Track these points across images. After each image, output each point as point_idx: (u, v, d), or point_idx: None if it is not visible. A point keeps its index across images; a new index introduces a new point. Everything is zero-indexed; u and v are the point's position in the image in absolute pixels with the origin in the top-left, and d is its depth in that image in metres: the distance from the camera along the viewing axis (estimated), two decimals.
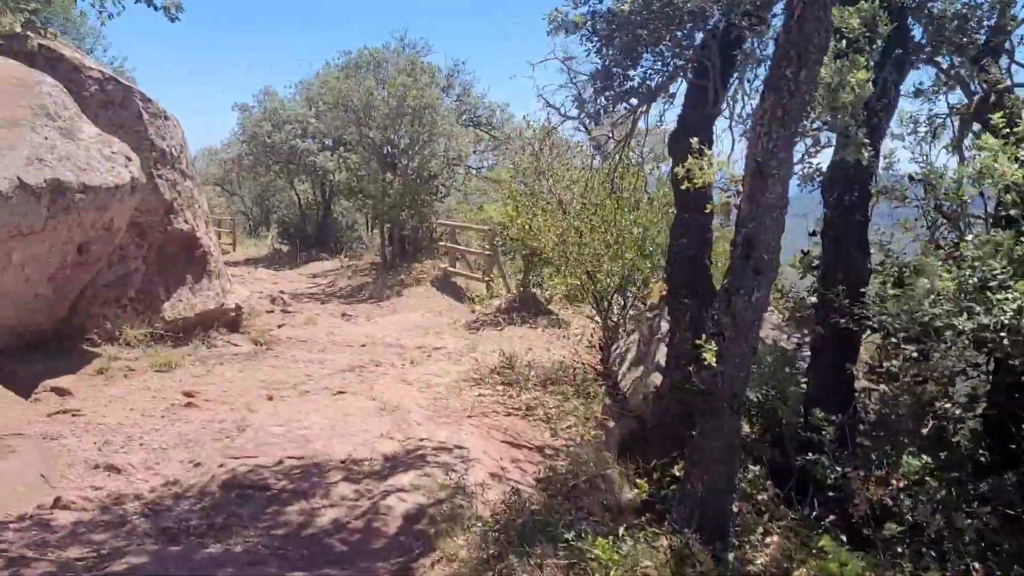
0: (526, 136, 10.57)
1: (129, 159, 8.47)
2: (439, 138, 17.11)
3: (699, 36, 6.13)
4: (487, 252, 14.17)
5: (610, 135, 6.96)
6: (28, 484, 4.83)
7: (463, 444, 5.77)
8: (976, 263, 4.31)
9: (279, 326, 12.09)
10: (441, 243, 17.78)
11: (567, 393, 7.37)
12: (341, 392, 7.61)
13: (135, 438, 6.29)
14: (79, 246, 8.26)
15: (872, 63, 4.69)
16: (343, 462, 5.39)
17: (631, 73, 6.14)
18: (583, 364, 8.21)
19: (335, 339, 10.61)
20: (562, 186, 7.61)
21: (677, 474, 4.62)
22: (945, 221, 5.18)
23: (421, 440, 5.81)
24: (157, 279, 9.11)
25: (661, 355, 6.82)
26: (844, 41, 4.49)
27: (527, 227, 7.24)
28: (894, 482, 4.44)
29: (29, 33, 8.74)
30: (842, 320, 5.10)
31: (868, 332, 5.29)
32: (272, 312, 13.95)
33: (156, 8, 7.15)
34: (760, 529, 4.26)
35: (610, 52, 5.97)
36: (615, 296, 9.19)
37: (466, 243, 17.07)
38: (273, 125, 22.48)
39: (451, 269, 16.13)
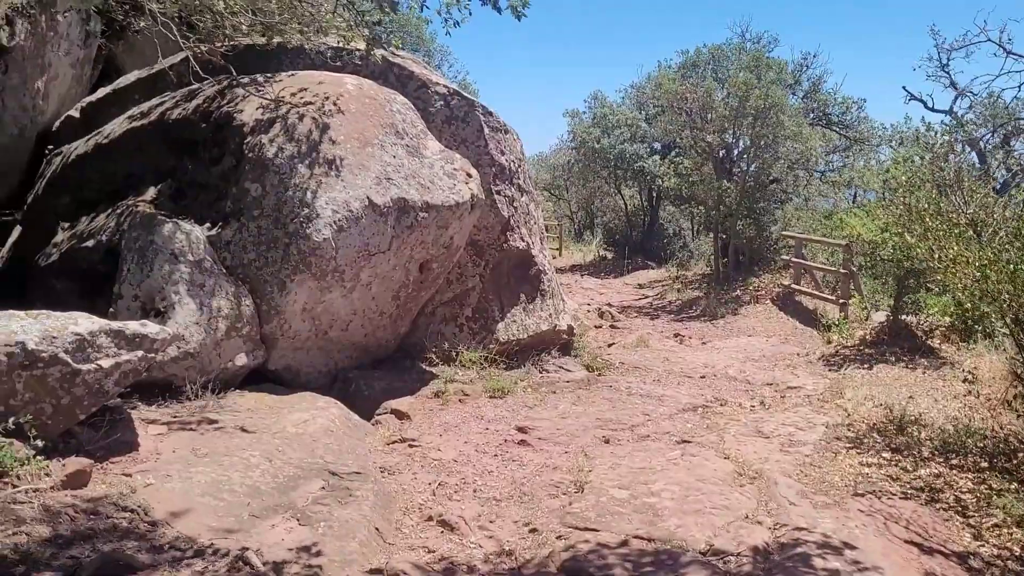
0: (925, 141, 8.82)
1: (470, 175, 8.21)
2: (784, 140, 15.46)
3: None
4: (842, 271, 12.33)
5: None
6: (361, 540, 4.45)
7: (854, 543, 4.47)
8: None
9: (609, 345, 11.43)
10: (782, 256, 16.09)
11: (982, 470, 5.70)
12: (685, 442, 6.61)
13: (469, 481, 5.83)
14: (421, 264, 8.15)
15: None
16: (703, 554, 4.37)
17: None
18: (998, 428, 6.40)
19: (671, 367, 9.65)
20: (976, 204, 5.91)
21: None
22: None
23: (798, 531, 4.61)
24: (492, 298, 8.81)
25: None
26: None
27: (931, 255, 5.67)
28: None
29: (380, 52, 8.85)
30: None
31: None
32: (600, 327, 13.39)
33: (500, 11, 6.69)
34: None
35: None
36: None
37: (811, 257, 15.23)
38: (602, 130, 22.17)
39: (795, 286, 14.44)
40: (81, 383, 4.75)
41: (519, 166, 9.11)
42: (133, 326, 5.05)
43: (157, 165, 8.08)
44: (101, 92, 9.69)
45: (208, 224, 7.39)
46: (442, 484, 5.75)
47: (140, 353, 5.06)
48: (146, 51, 10.77)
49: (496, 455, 6.43)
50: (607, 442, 6.69)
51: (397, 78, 8.80)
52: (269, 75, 8.41)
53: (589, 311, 14.35)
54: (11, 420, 4.41)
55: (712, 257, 18.12)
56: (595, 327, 13.27)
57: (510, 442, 6.72)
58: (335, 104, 7.68)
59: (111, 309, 6.76)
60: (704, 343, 11.98)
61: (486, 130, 8.70)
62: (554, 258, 29.08)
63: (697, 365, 9.81)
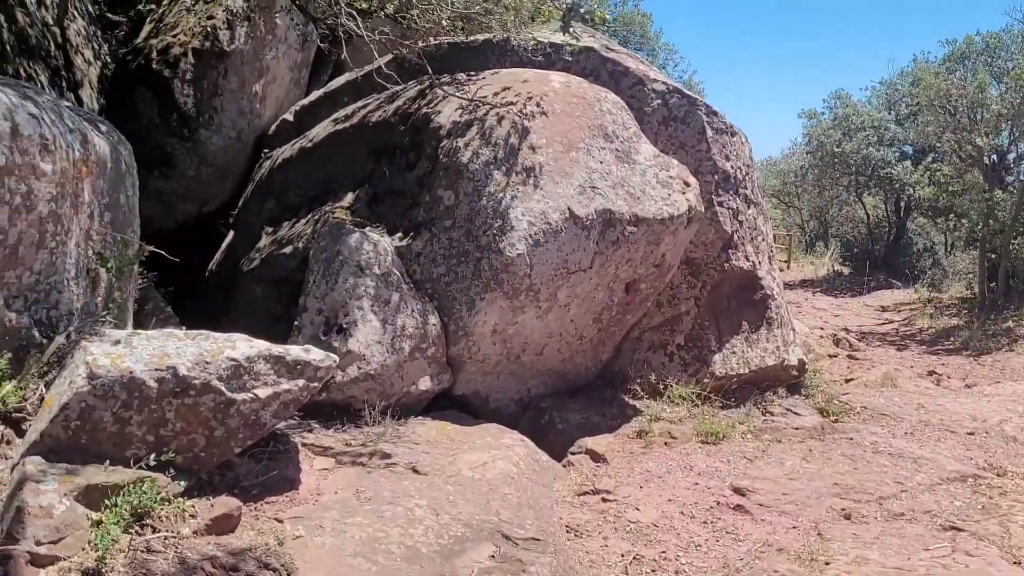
0: None
1: (687, 184, 7.14)
2: None
3: None
4: None
5: None
6: None
7: None
8: None
9: (847, 381, 9.85)
10: None
11: None
12: (954, 528, 5.16)
13: (671, 556, 4.81)
14: (627, 284, 7.20)
15: None
16: None
17: None
18: None
19: (927, 416, 7.98)
20: None
21: None
22: None
23: None
24: (708, 325, 7.66)
25: None
26: None
27: None
28: None
29: (594, 46, 7.99)
30: None
31: None
32: (835, 357, 11.73)
33: None
34: None
35: None
36: None
37: None
38: (843, 133, 19.97)
39: None
40: (236, 414, 4.27)
41: (746, 174, 7.88)
42: (295, 352, 4.52)
43: (356, 169, 7.74)
44: (314, 95, 9.61)
45: (400, 234, 6.89)
46: (637, 558, 4.77)
47: (302, 382, 4.53)
48: (364, 52, 10.67)
49: (706, 522, 5.35)
50: (847, 518, 5.38)
51: (611, 75, 7.89)
52: (472, 73, 7.82)
53: (822, 337, 12.66)
54: (153, 456, 4.00)
55: (975, 279, 15.57)
56: (829, 356, 11.64)
57: (724, 505, 5.61)
58: (538, 104, 6.91)
59: (296, 322, 6.42)
60: (968, 386, 10.03)
61: (709, 132, 7.57)
62: (781, 271, 26.94)
63: (962, 416, 8.05)
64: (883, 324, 14.93)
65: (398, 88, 8.15)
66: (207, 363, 4.17)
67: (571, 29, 6.60)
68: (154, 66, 8.59)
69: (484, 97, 7.08)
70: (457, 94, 7.14)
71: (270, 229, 8.16)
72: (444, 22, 7.74)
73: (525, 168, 6.55)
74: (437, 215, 6.68)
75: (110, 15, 12.98)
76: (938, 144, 15.92)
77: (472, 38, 8.38)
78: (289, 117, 9.64)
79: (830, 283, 21.29)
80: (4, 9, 8.58)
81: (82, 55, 10.58)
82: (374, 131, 7.71)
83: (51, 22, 10.11)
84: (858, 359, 11.63)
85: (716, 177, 7.56)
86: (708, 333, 7.65)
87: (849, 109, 20.45)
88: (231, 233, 9.20)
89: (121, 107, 8.93)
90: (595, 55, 7.97)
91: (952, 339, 12.89)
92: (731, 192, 7.64)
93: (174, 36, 8.79)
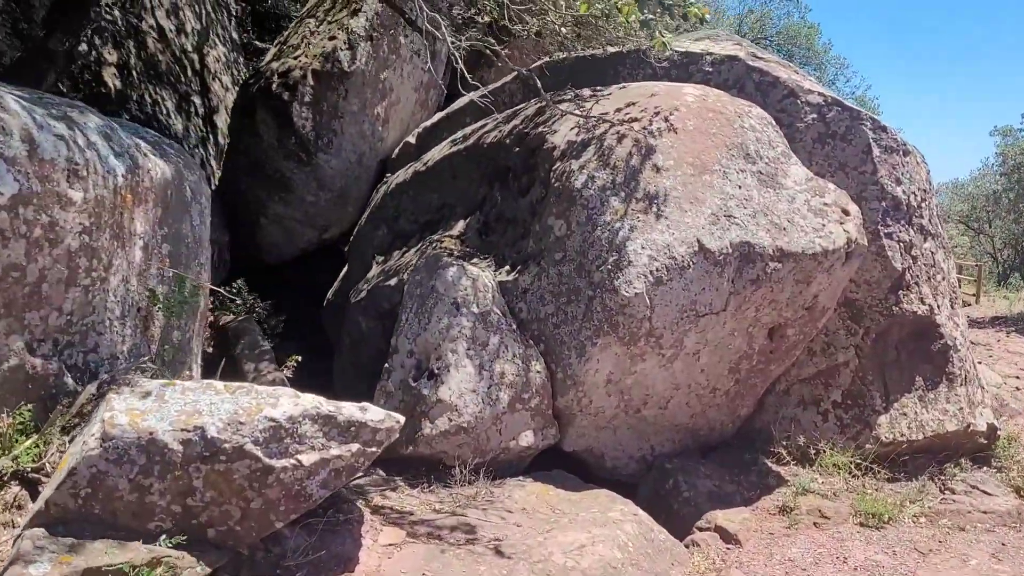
0: None
1: (846, 213, 5.99)
2: None
3: None
4: None
5: None
6: None
7: None
8: None
9: None
10: None
11: None
12: None
13: None
14: (770, 329, 6.12)
15: None
16: None
17: None
18: None
19: None
20: None
21: None
22: None
23: None
24: (872, 380, 6.41)
25: None
26: None
27: None
28: None
29: (738, 54, 6.99)
30: None
31: None
32: None
33: None
34: None
35: None
36: None
37: None
38: None
39: None
40: (275, 483, 3.66)
41: (922, 200, 6.58)
42: (348, 411, 3.86)
43: (470, 194, 7.12)
44: (436, 116, 9.12)
45: (508, 267, 6.18)
46: None
47: (356, 447, 3.86)
48: (502, 69, 10.09)
49: None
50: None
51: (757, 86, 6.85)
52: (598, 89, 7.02)
53: (1019, 389, 10.80)
54: (176, 531, 3.44)
55: None
56: (1020, 414, 9.84)
57: None
58: (666, 120, 6.00)
59: (386, 364, 5.81)
60: None
61: (875, 151, 6.37)
62: (968, 305, 24.12)
63: None
64: None
65: (520, 107, 7.49)
66: (241, 423, 3.57)
67: (656, 28, 5.57)
68: (274, 88, 8.36)
69: (604, 113, 6.26)
70: (575, 111, 6.35)
71: (380, 258, 7.68)
72: (563, 29, 6.99)
73: (648, 194, 5.66)
74: (547, 247, 5.90)
75: (257, 42, 13.17)
76: None
77: (600, 50, 7.59)
78: (411, 140, 9.19)
79: None
80: (135, 36, 8.64)
81: (220, 81, 10.62)
82: (489, 153, 7.06)
83: (190, 49, 10.19)
84: None
85: (884, 204, 6.34)
86: (872, 389, 6.39)
87: None
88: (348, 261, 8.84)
89: (245, 131, 8.79)
90: (739, 64, 6.96)
91: None
92: (902, 222, 6.38)
93: (295, 58, 8.55)
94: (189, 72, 9.89)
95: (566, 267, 5.75)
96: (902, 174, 6.41)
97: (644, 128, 5.97)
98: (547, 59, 8.20)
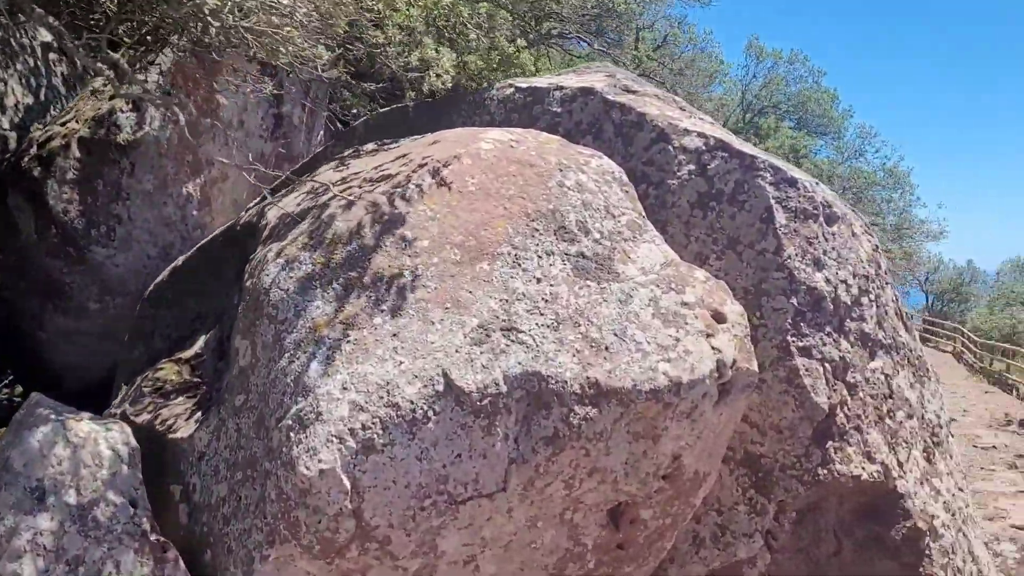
0: None
1: (719, 318, 3.63)
2: None
3: None
4: None
5: None
6: None
7: None
8: None
9: None
10: None
11: None
12: None
13: None
14: (610, 512, 3.71)
15: None
16: None
17: None
18: None
19: None
20: None
21: None
22: None
23: None
24: None
25: None
26: None
27: None
28: None
29: (596, 86, 4.82)
30: None
31: None
32: None
33: None
34: None
35: None
36: None
37: None
38: None
39: None
40: None
41: (864, 293, 4.16)
42: None
43: (223, 297, 4.97)
44: None
45: (200, 415, 3.94)
46: None
47: None
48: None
49: None
50: None
51: (618, 129, 4.64)
52: (387, 141, 4.88)
53: None
54: None
55: None
56: None
57: None
58: (434, 176, 3.81)
59: None
60: None
61: (779, 218, 4.02)
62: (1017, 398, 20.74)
63: None
64: None
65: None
66: None
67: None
68: (24, 164, 6.43)
69: (357, 172, 4.09)
70: (307, 177, 4.20)
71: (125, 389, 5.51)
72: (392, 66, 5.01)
73: (374, 294, 3.43)
74: (229, 383, 3.68)
75: None
76: None
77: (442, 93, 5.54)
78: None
79: None
80: None
81: None
82: (240, 239, 4.93)
83: None
84: None
85: (795, 301, 3.95)
86: None
87: None
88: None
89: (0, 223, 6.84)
90: (595, 100, 4.77)
91: None
92: (827, 329, 3.97)
93: (62, 124, 6.64)
94: None
95: (245, 419, 3.50)
96: (825, 252, 4.03)
97: (393, 189, 3.78)
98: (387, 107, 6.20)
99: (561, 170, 4.01)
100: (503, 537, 3.46)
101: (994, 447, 12.72)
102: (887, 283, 4.31)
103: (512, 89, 5.22)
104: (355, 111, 8.83)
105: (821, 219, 4.07)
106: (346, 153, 4.83)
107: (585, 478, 3.48)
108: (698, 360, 3.48)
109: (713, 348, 3.53)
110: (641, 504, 3.70)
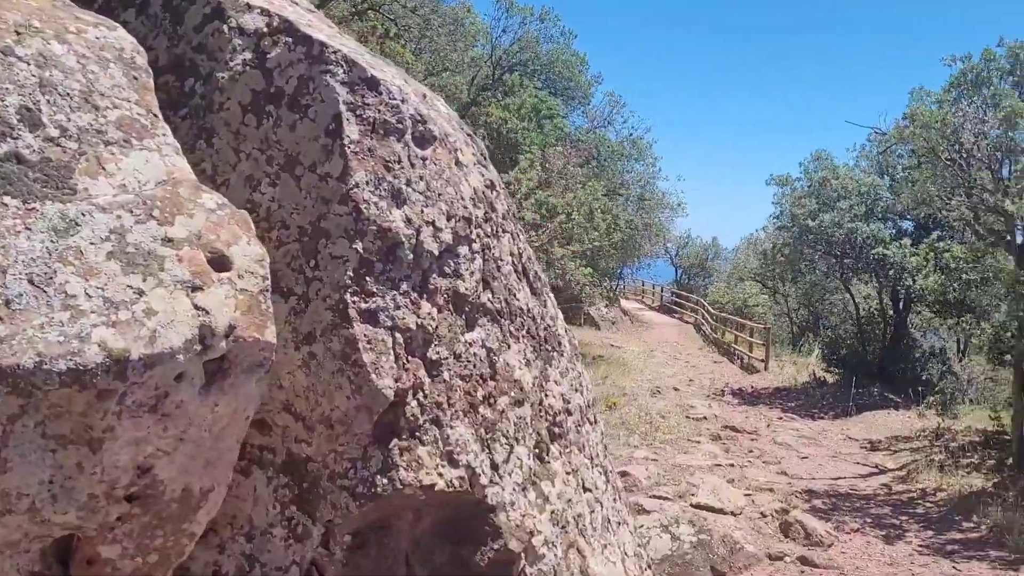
0: None
1: (222, 264, 2.46)
2: None
3: None
4: None
5: None
6: None
7: None
8: None
9: None
10: None
11: None
12: None
13: None
14: (55, 550, 2.45)
15: None
16: None
17: None
18: None
19: None
20: None
21: None
22: None
23: None
24: None
25: None
26: None
27: None
28: None
29: None
30: None
31: None
32: (780, 559, 6.93)
33: None
34: None
35: None
36: None
37: None
38: (820, 203, 15.37)
39: None
40: None
41: (465, 239, 3.18)
42: None
43: None
44: None
45: None
46: None
47: None
48: None
49: None
50: None
51: (167, 0, 3.32)
52: None
53: (764, 515, 7.80)
54: None
55: (1004, 407, 10.71)
56: (769, 559, 6.83)
57: None
58: None
59: None
60: None
61: (349, 131, 2.91)
62: (751, 372, 21.97)
63: None
64: (868, 477, 10.07)
65: None
66: None
67: None
68: None
69: None
70: None
71: None
72: None
73: None
74: None
75: None
76: (945, 211, 11.08)
77: None
78: None
79: (808, 396, 16.36)
80: None
81: None
82: None
83: None
84: (817, 567, 6.77)
85: (360, 246, 2.86)
86: None
87: (826, 172, 15.77)
88: None
89: None
90: None
91: (974, 519, 8.00)
92: (404, 286, 2.93)
93: None
94: None
95: None
96: (409, 182, 2.98)
97: None
98: None
99: (19, 33, 2.65)
100: None
101: (705, 418, 12.86)
102: (505, 231, 3.34)
103: None
104: None
105: (408, 137, 3.00)
106: None
107: None
108: (166, 324, 2.29)
109: (197, 307, 2.35)
110: (98, 539, 2.48)
